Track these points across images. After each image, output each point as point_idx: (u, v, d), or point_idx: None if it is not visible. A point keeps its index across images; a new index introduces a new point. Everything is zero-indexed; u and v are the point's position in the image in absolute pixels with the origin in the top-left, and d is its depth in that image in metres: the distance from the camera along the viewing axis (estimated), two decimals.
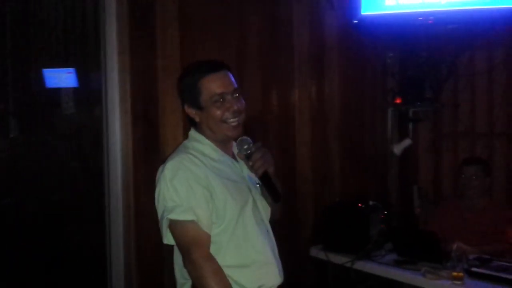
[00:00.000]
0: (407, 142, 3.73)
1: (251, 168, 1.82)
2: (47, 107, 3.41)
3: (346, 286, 2.95)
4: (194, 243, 1.73)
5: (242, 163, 1.91)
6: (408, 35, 3.51)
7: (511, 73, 3.45)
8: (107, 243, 2.64)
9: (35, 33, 3.39)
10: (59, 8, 3.32)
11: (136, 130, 2.59)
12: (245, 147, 1.81)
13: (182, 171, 1.75)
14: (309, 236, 3.27)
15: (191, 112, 1.87)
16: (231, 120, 1.82)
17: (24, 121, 3.47)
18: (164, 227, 1.77)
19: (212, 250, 1.77)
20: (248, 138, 1.82)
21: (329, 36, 3.44)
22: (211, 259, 1.74)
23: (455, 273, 2.47)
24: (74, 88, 3.22)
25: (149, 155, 2.62)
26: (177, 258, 1.86)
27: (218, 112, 1.81)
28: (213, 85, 1.81)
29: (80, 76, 3.22)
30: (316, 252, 3.13)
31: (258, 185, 1.90)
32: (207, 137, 1.87)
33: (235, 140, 1.86)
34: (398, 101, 3.67)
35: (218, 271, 1.73)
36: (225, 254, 1.79)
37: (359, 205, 2.98)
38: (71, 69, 3.26)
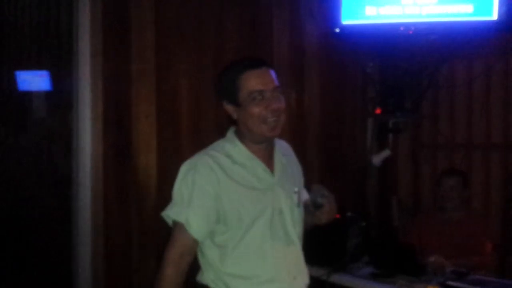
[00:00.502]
0: (386, 153, 3.71)
1: (315, 215, 1.83)
2: (17, 110, 3.33)
3: None
4: (172, 242, 1.75)
5: (278, 170, 1.85)
6: (388, 45, 3.49)
7: (490, 85, 3.46)
8: (74, 250, 2.56)
9: (8, 35, 3.31)
10: (32, 9, 3.25)
11: (108, 136, 2.52)
12: (319, 199, 1.80)
13: (192, 174, 1.74)
14: None
15: (230, 109, 1.81)
16: (270, 119, 1.74)
17: None
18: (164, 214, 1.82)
19: (218, 254, 1.77)
20: (324, 189, 1.81)
21: (309, 45, 3.41)
22: (176, 265, 1.73)
23: (430, 287, 2.44)
24: (47, 92, 3.14)
25: (121, 162, 2.55)
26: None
27: (257, 110, 1.73)
28: (253, 82, 1.74)
29: (53, 79, 3.15)
30: None
31: (296, 192, 1.85)
32: (244, 137, 1.82)
33: (270, 140, 1.82)
34: (378, 111, 3.65)
35: (174, 277, 1.72)
36: (227, 261, 1.76)
37: (337, 216, 2.93)
38: (44, 72, 3.18)
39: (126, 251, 2.58)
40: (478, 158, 3.54)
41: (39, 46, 3.11)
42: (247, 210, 1.75)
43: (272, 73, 1.78)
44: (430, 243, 2.95)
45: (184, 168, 1.78)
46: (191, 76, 2.84)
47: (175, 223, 1.76)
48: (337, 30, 3.25)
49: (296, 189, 1.84)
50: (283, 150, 1.95)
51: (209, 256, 1.79)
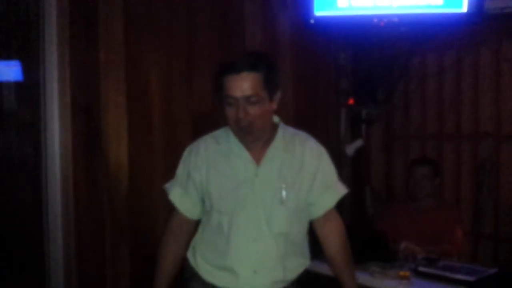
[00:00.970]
0: (359, 142, 3.74)
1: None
2: None
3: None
4: (173, 212, 1.97)
5: (266, 164, 1.85)
6: (360, 36, 3.52)
7: (461, 76, 3.51)
8: (45, 241, 2.53)
9: None
10: None
11: (77, 124, 2.50)
12: None
13: (185, 156, 1.95)
14: None
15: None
16: (243, 124, 1.77)
17: None
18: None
19: (200, 229, 1.96)
20: None
21: (282, 36, 3.41)
22: (174, 233, 1.95)
23: (401, 273, 2.47)
24: (16, 82, 3.07)
25: (90, 150, 2.52)
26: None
27: (229, 114, 1.80)
28: (228, 86, 1.78)
29: (23, 69, 3.08)
30: None
31: (283, 189, 1.83)
32: None
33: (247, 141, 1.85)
34: (351, 102, 3.68)
35: (171, 244, 1.94)
36: (201, 238, 1.94)
37: None
38: (14, 62, 3.11)
39: (98, 239, 2.56)
40: (449, 147, 3.59)
41: (7, 36, 3.05)
42: (223, 199, 1.82)
43: (253, 79, 1.75)
44: (402, 231, 2.96)
45: (186, 149, 1.97)
46: (162, 66, 2.82)
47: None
48: (312, 21, 3.26)
49: (283, 185, 1.83)
50: (291, 146, 1.93)
51: (199, 228, 1.97)
